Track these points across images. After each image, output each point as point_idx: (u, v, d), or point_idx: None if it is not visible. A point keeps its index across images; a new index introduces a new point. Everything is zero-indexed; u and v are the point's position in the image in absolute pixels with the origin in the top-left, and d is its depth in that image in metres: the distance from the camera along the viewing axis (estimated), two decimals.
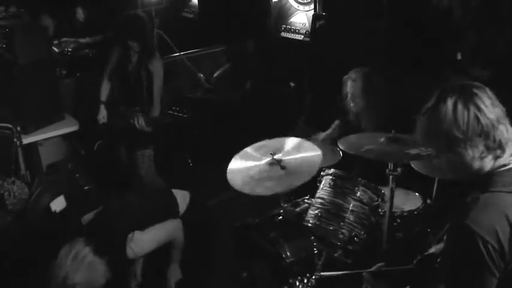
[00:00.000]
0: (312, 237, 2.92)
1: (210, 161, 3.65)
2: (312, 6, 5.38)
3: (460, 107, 1.63)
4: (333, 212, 2.82)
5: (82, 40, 5.57)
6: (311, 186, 3.03)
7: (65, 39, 5.46)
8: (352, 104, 3.83)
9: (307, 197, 3.23)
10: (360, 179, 2.87)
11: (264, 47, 5.98)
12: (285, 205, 3.18)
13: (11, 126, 3.86)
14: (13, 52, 3.90)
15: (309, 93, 5.22)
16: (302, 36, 5.62)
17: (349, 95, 3.83)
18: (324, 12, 5.14)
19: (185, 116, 4.25)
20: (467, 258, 1.60)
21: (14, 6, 4.47)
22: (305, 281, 2.68)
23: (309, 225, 2.89)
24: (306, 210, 3.06)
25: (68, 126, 4.26)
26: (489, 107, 1.63)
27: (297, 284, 2.69)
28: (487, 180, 1.67)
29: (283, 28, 5.79)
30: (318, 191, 2.97)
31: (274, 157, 2.98)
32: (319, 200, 2.90)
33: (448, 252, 1.70)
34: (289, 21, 5.76)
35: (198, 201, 3.04)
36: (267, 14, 5.92)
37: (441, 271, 1.75)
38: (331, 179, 2.92)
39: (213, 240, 3.91)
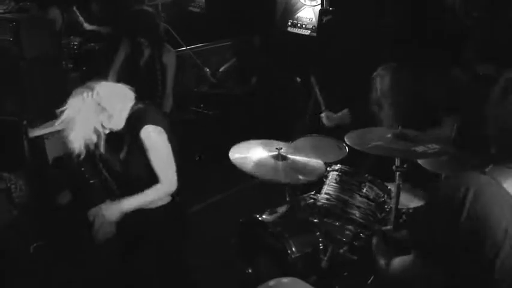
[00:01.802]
0: (318, 233, 2.91)
1: (216, 155, 3.65)
2: (319, 1, 5.36)
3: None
4: (339, 207, 2.81)
5: (89, 27, 5.57)
6: (317, 182, 3.02)
7: (72, 37, 5.48)
8: (381, 100, 3.75)
9: (313, 193, 3.22)
10: (366, 175, 2.86)
11: (270, 42, 5.97)
12: (291, 200, 3.17)
13: (17, 119, 3.87)
14: (20, 45, 3.91)
15: (315, 88, 5.21)
16: (309, 31, 5.61)
17: (378, 91, 3.76)
18: (330, 7, 5.12)
19: (210, 113, 4.24)
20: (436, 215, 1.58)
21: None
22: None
23: (315, 220, 2.89)
24: (311, 205, 3.05)
25: None
26: None
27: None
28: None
29: (289, 23, 5.77)
30: (324, 186, 2.96)
31: (280, 152, 3.02)
32: (325, 196, 2.89)
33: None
34: (296, 16, 5.74)
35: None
36: (274, 9, 5.91)
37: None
38: (338, 174, 2.91)
39: (218, 236, 3.92)
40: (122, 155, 2.71)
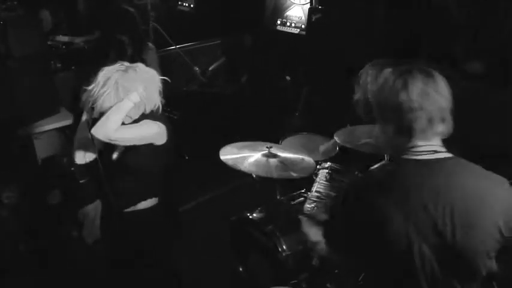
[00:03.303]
0: None
1: (205, 154, 3.64)
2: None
3: (392, 77, 1.67)
4: (329, 205, 2.83)
5: (77, 40, 5.53)
6: (307, 180, 3.03)
7: (60, 36, 5.42)
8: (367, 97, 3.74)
9: (303, 191, 3.23)
10: (356, 172, 2.87)
11: (259, 41, 5.97)
12: (282, 198, 3.18)
13: (5, 118, 3.84)
14: (7, 45, 3.88)
15: (304, 86, 5.22)
16: (298, 30, 5.61)
17: (365, 90, 3.75)
18: (320, 5, 5.13)
19: (175, 117, 4.23)
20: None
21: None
22: None
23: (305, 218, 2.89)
24: (302, 203, 3.06)
25: (64, 120, 4.24)
26: (419, 88, 1.62)
27: None
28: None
29: (279, 22, 5.78)
30: (314, 184, 2.97)
31: (270, 150, 3.02)
32: (316, 194, 2.90)
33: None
34: (285, 15, 5.74)
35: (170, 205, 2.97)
36: (263, 8, 5.91)
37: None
38: (328, 172, 2.93)
39: (209, 234, 3.92)
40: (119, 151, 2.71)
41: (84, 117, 2.73)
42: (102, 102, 2.49)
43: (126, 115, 2.54)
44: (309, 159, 3.06)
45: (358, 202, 1.71)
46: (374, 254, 1.72)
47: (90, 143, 2.64)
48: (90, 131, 2.50)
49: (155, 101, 2.62)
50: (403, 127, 1.65)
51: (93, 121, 2.52)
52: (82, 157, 2.84)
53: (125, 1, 5.12)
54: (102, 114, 2.50)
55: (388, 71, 1.69)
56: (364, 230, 1.70)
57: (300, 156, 3.05)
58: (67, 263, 3.75)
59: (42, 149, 4.18)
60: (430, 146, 1.66)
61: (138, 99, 2.51)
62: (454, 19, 4.10)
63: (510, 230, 1.62)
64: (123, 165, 2.68)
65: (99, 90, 2.50)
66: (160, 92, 2.64)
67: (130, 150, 2.63)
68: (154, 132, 2.62)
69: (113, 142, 2.53)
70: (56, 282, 3.59)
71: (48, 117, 4.20)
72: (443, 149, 1.69)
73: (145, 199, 2.79)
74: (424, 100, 1.62)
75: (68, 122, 4.23)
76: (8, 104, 3.94)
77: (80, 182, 2.96)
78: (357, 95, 3.70)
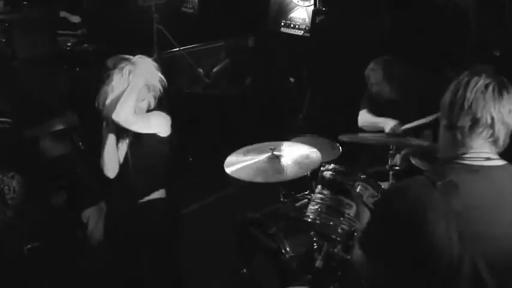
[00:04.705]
0: (312, 233, 2.92)
1: (210, 156, 3.65)
2: (312, 1, 5.37)
3: (490, 87, 1.64)
4: (332, 207, 2.82)
5: (80, 31, 5.56)
6: (311, 182, 3.03)
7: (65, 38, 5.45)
8: (380, 91, 3.73)
9: (307, 192, 3.23)
10: (359, 174, 2.87)
11: (263, 42, 5.97)
12: (285, 200, 3.18)
13: (11, 120, 3.86)
14: (12, 47, 3.91)
15: (308, 88, 5.23)
16: (302, 32, 5.61)
17: (374, 86, 3.74)
18: (324, 7, 5.13)
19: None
20: (379, 219, 1.78)
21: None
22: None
23: (309, 220, 2.89)
24: (306, 205, 3.06)
25: (68, 121, 4.26)
26: (505, 101, 1.63)
27: None
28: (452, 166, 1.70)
29: (283, 23, 5.78)
30: (318, 186, 2.97)
31: (274, 152, 3.02)
32: (319, 195, 2.90)
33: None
34: (289, 17, 5.75)
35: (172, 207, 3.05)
36: (267, 9, 5.91)
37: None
38: (331, 174, 2.92)
39: (213, 236, 3.92)
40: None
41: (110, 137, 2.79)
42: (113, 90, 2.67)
43: (138, 106, 2.71)
44: (312, 151, 3.06)
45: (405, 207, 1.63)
46: (412, 266, 1.65)
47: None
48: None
49: (157, 87, 2.80)
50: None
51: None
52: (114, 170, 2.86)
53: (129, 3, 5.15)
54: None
55: (481, 82, 1.65)
56: (406, 238, 1.63)
57: (305, 152, 3.06)
58: (71, 264, 3.75)
59: (48, 150, 4.20)
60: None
61: (142, 81, 2.70)
62: (459, 18, 4.09)
63: None
64: (134, 156, 2.79)
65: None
66: (162, 79, 2.81)
67: (138, 141, 2.77)
68: (162, 122, 2.81)
69: (130, 126, 2.67)
70: (60, 282, 3.60)
71: (53, 119, 4.21)
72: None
73: (157, 189, 2.92)
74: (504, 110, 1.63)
75: (73, 122, 4.25)
76: (14, 105, 3.96)
77: (85, 183, 2.98)
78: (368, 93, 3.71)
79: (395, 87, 3.63)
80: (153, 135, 2.78)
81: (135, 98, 2.67)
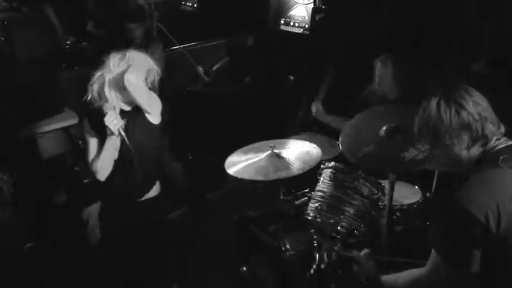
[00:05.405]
0: (312, 230, 2.92)
1: (209, 154, 3.65)
2: None
3: (442, 104, 1.90)
4: (333, 205, 2.82)
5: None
6: (311, 179, 3.03)
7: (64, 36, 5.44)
8: (378, 88, 3.70)
9: (307, 190, 3.23)
10: (360, 172, 2.87)
11: (263, 40, 5.96)
12: (285, 198, 3.18)
13: (10, 118, 3.86)
14: (11, 45, 3.90)
15: (308, 86, 5.21)
16: (301, 30, 5.61)
17: (377, 78, 3.71)
18: (323, 5, 5.12)
19: None
20: (458, 234, 1.82)
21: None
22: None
23: (309, 218, 2.89)
24: (305, 203, 3.06)
25: (67, 119, 4.25)
26: (470, 103, 1.88)
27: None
28: (479, 163, 1.90)
29: (282, 21, 5.77)
30: (318, 184, 2.97)
31: (274, 150, 3.03)
32: (319, 193, 2.89)
33: (441, 226, 1.91)
34: (288, 15, 5.74)
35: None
36: (267, 7, 5.90)
37: (434, 244, 1.93)
38: (331, 172, 2.91)
39: (212, 234, 3.92)
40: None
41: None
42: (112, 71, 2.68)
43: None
44: (312, 147, 3.07)
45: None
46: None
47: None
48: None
49: (155, 78, 2.79)
50: (476, 136, 1.87)
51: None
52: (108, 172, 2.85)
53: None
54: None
55: (433, 102, 1.92)
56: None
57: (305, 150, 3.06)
58: (71, 262, 3.75)
59: (46, 149, 4.19)
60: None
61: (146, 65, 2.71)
62: (458, 17, 4.08)
63: None
64: (127, 150, 2.75)
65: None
66: (158, 71, 2.81)
67: (132, 130, 2.74)
68: (158, 105, 2.81)
69: (138, 94, 2.63)
70: (60, 281, 3.60)
71: (51, 117, 4.21)
72: None
73: (154, 183, 2.93)
74: (479, 108, 1.88)
75: (71, 121, 4.25)
76: (12, 103, 3.96)
77: (84, 181, 2.98)
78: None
79: (399, 83, 3.60)
80: (146, 123, 2.77)
81: (144, 71, 2.66)
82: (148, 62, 2.76)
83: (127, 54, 2.71)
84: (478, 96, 1.92)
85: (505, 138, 1.93)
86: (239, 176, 2.94)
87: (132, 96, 2.65)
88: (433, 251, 1.92)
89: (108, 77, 2.68)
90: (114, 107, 2.68)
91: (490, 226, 1.75)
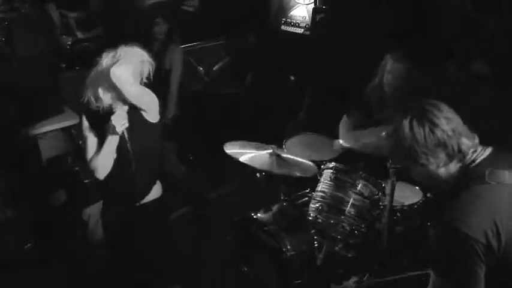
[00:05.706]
0: (313, 231, 2.92)
1: (210, 154, 3.65)
2: None
3: (415, 124, 1.86)
4: (333, 205, 2.82)
5: (80, 35, 5.55)
6: (311, 180, 3.03)
7: (64, 37, 5.45)
8: (385, 84, 3.67)
9: (307, 191, 3.23)
10: (360, 172, 2.87)
11: (263, 41, 5.96)
12: (286, 198, 3.18)
13: (10, 119, 3.86)
14: (12, 45, 3.89)
15: (308, 86, 5.21)
16: (302, 30, 5.60)
17: (386, 74, 3.68)
18: (324, 5, 5.12)
19: None
20: (459, 257, 1.77)
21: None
22: None
23: (310, 218, 2.89)
24: (306, 203, 3.06)
25: (68, 120, 4.25)
26: (442, 120, 1.85)
27: None
28: (463, 179, 1.88)
29: (283, 21, 5.77)
30: (319, 184, 2.97)
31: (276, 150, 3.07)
32: (320, 194, 2.90)
33: (441, 251, 1.84)
34: (289, 15, 5.73)
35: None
36: (267, 7, 5.90)
37: (433, 266, 1.89)
38: (332, 172, 2.92)
39: (213, 234, 3.92)
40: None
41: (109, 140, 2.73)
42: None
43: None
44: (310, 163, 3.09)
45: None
46: None
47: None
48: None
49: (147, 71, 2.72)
50: (453, 153, 1.86)
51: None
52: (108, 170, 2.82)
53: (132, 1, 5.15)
54: None
55: (405, 122, 1.88)
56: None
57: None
58: (71, 263, 3.75)
59: (47, 149, 4.19)
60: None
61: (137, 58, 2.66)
62: (458, 15, 4.07)
63: None
64: (131, 146, 2.73)
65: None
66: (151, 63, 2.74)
67: (132, 131, 2.70)
68: (153, 101, 2.73)
69: (124, 86, 2.54)
70: (60, 281, 3.60)
71: (52, 117, 4.21)
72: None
73: (154, 183, 2.90)
74: (452, 124, 1.86)
75: (72, 122, 4.24)
76: (13, 104, 3.96)
77: (85, 182, 2.97)
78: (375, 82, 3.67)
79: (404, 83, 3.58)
80: (143, 122, 2.71)
81: (132, 64, 2.59)
82: (140, 54, 2.69)
83: (118, 50, 2.64)
84: (448, 111, 1.90)
85: (481, 148, 1.91)
86: (236, 156, 2.96)
87: (119, 91, 2.57)
88: (432, 275, 1.87)
89: (100, 75, 2.62)
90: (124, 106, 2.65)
91: (491, 244, 1.73)
